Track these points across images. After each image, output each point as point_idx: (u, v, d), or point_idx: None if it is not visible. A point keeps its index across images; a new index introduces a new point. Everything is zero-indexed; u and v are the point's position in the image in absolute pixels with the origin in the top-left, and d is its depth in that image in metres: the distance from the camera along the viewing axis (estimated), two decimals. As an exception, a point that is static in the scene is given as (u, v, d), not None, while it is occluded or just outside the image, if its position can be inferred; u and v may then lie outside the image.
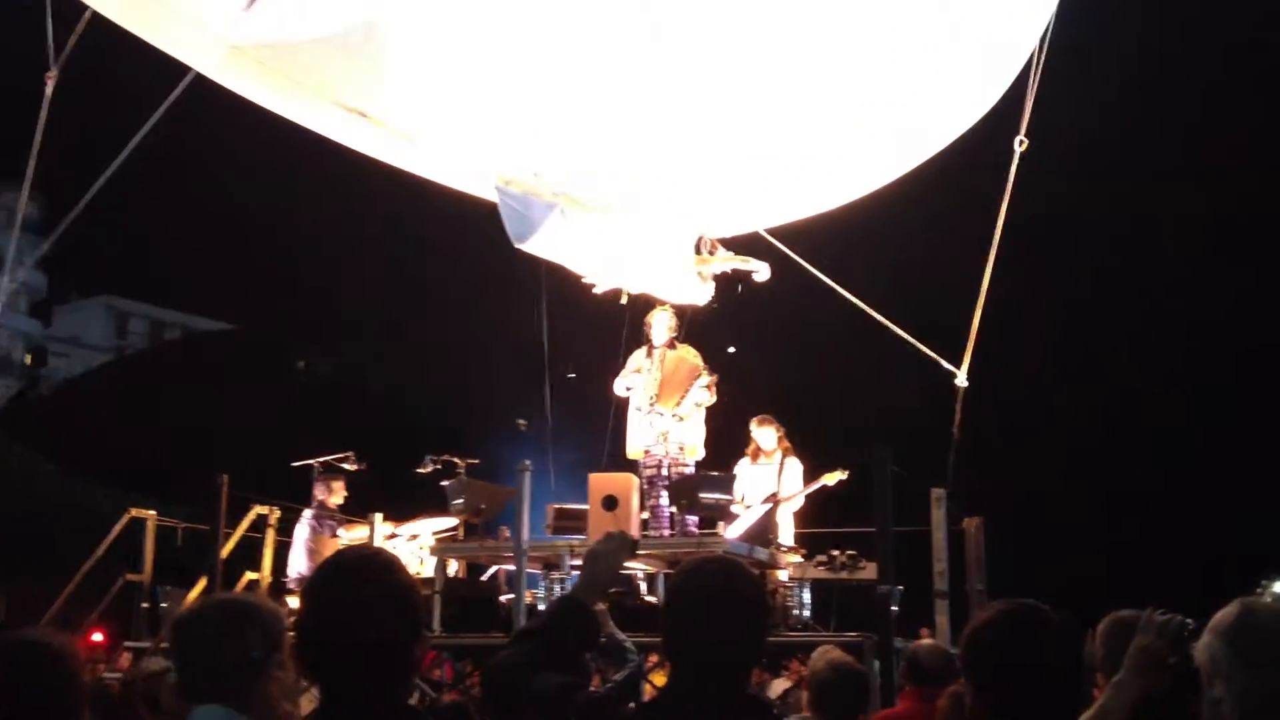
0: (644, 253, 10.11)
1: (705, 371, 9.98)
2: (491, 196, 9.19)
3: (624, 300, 10.27)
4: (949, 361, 9.91)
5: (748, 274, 10.42)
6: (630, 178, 9.49)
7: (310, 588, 2.29)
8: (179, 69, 7.78)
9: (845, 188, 10.44)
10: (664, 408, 9.89)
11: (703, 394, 10.01)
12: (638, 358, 10.24)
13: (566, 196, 9.41)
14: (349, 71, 8.17)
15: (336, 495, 10.67)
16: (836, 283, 10.61)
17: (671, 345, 10.17)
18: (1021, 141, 9.75)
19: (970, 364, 9.84)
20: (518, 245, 9.08)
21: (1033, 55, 9.15)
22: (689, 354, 10.14)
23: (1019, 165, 9.74)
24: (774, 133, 8.98)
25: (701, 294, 10.35)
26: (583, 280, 10.26)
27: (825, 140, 9.24)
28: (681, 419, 9.92)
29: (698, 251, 10.41)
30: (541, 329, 10.69)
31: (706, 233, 10.45)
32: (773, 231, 10.80)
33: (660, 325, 10.20)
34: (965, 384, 9.93)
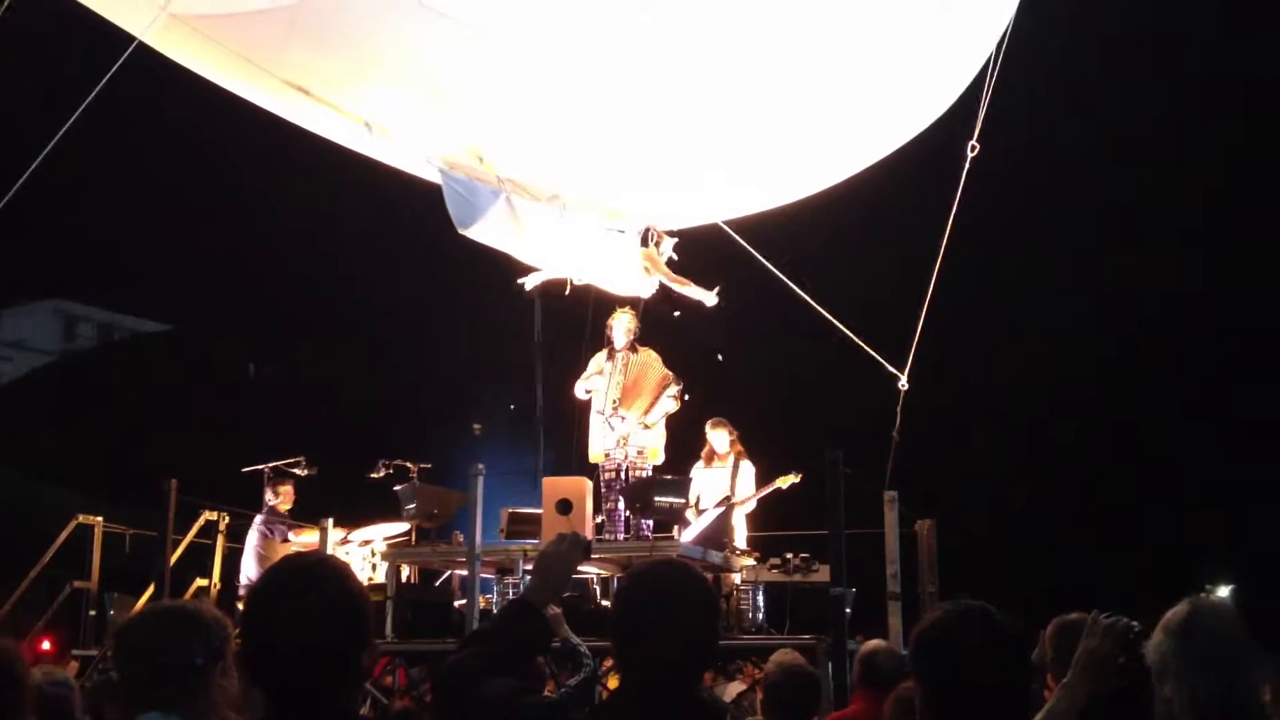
0: (590, 243, 10.08)
1: (673, 381, 9.97)
2: (438, 181, 9.10)
3: (567, 290, 10.24)
4: (896, 365, 9.98)
5: (696, 301, 10.40)
6: (578, 166, 9.47)
7: (256, 594, 2.26)
8: (113, 58, 7.58)
9: (802, 183, 10.47)
10: (626, 412, 9.86)
11: (670, 403, 10.02)
12: (598, 360, 10.19)
13: (513, 183, 9.36)
14: (290, 46, 8.08)
15: (285, 500, 10.57)
16: (790, 280, 10.61)
17: (633, 348, 10.13)
18: (974, 146, 9.82)
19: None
20: (461, 231, 9.01)
21: (989, 59, 9.21)
22: (651, 358, 10.10)
23: (972, 169, 9.82)
24: (729, 125, 9.00)
25: (646, 287, 10.32)
26: (517, 283, 10.24)
27: (782, 135, 9.27)
28: (648, 427, 9.92)
29: (644, 244, 10.40)
30: (534, 330, 10.60)
31: (654, 224, 10.43)
32: (728, 224, 10.77)
33: (620, 328, 10.15)
34: (906, 386, 10.01)
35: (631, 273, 10.26)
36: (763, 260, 10.55)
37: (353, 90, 8.66)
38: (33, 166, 7.21)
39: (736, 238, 10.57)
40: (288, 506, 10.61)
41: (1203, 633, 2.75)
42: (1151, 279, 23.40)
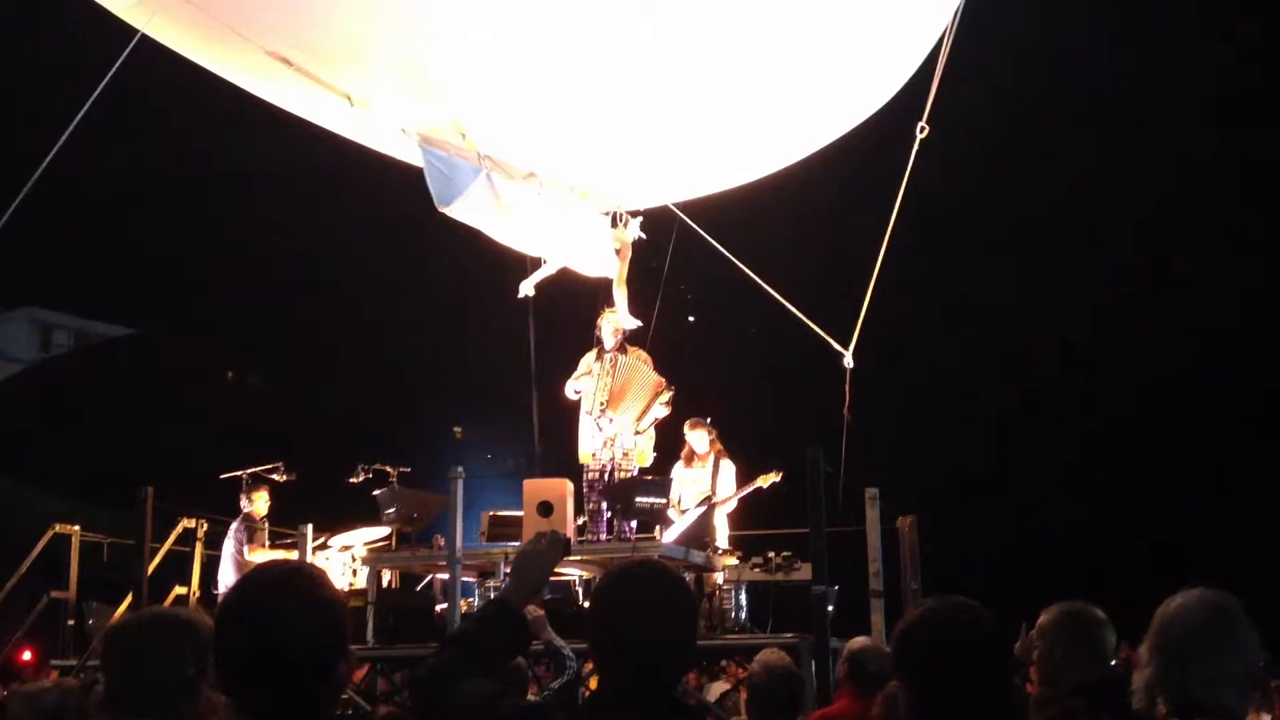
0: (567, 223, 10.03)
1: (665, 388, 9.96)
2: (419, 163, 8.95)
3: (527, 295, 10.19)
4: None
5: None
6: (550, 143, 9.41)
7: (230, 602, 2.22)
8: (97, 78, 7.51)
9: (753, 165, 10.43)
10: (613, 413, 9.84)
11: (662, 410, 10.03)
12: (587, 361, 10.15)
13: (492, 161, 9.29)
14: (273, 13, 8.02)
15: (260, 505, 10.50)
16: (743, 263, 10.58)
17: (621, 349, 10.09)
18: (923, 128, 9.80)
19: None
20: (441, 208, 8.88)
21: (941, 40, 9.20)
22: (640, 359, 10.06)
23: (921, 151, 9.79)
24: (684, 106, 8.95)
25: (614, 268, 10.27)
26: (519, 293, 10.22)
27: (734, 116, 9.23)
28: (641, 433, 9.92)
29: (614, 225, 10.38)
30: (528, 328, 10.54)
31: (621, 205, 10.39)
32: (682, 207, 10.68)
33: (609, 328, 10.11)
34: (852, 365, 10.05)
35: (604, 254, 10.21)
36: (713, 243, 10.50)
37: (335, 62, 8.54)
38: (39, 169, 7.10)
39: (685, 218, 10.45)
40: (264, 512, 10.54)
41: (1172, 625, 2.78)
42: (1107, 270, 23.57)
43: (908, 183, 9.73)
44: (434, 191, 8.82)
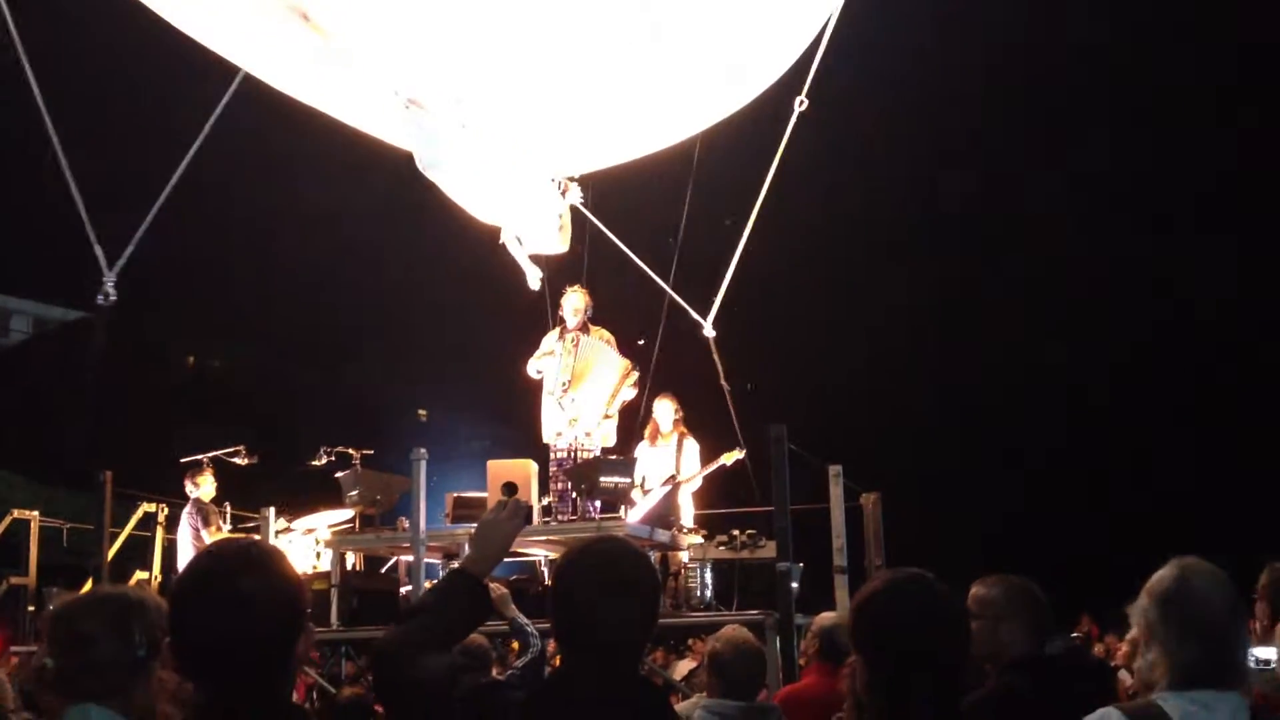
0: (514, 189, 9.90)
1: (632, 369, 9.93)
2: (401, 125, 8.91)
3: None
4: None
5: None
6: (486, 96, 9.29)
7: (185, 581, 2.18)
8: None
9: (645, 139, 10.21)
10: (574, 393, 9.80)
11: (630, 391, 10.01)
12: (549, 340, 10.09)
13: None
14: None
15: (206, 488, 10.40)
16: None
17: (584, 328, 10.04)
18: (801, 101, 9.86)
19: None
20: (425, 171, 8.82)
21: (830, 15, 9.18)
22: (604, 338, 10.01)
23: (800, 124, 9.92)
24: (590, 71, 8.82)
25: (558, 243, 10.12)
26: (529, 286, 10.12)
27: (627, 88, 9.11)
28: (610, 417, 9.89)
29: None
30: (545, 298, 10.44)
31: (559, 172, 10.13)
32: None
33: (570, 306, 10.04)
34: (713, 334, 10.36)
35: (547, 225, 10.04)
36: (594, 220, 10.52)
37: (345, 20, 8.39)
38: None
39: (575, 198, 10.36)
40: (211, 495, 10.43)
41: (1191, 601, 2.77)
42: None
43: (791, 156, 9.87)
44: (418, 153, 8.78)
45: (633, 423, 10.49)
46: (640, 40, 8.41)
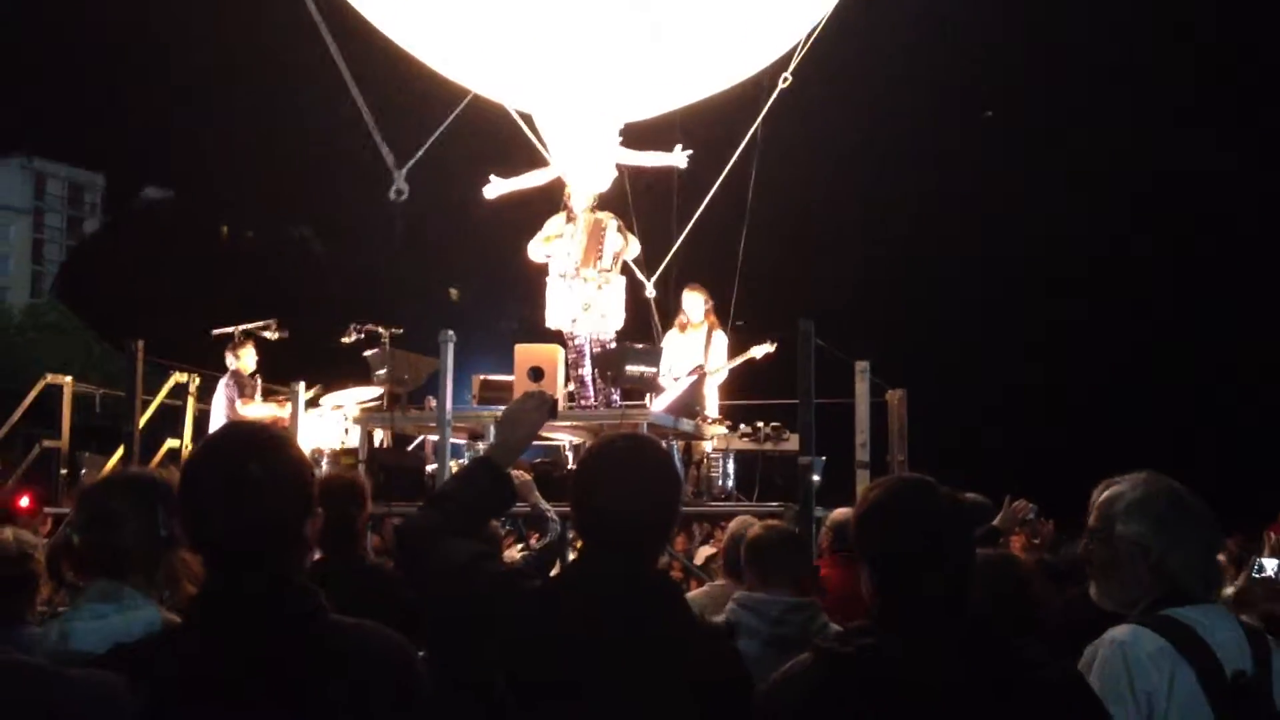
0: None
1: (611, 217, 9.71)
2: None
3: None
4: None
5: (668, 167, 10.26)
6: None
7: (195, 464, 2.21)
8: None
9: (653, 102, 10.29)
10: (587, 271, 9.64)
11: (616, 239, 9.65)
12: (555, 223, 9.78)
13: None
14: None
15: (246, 361, 10.46)
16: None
17: (592, 210, 9.84)
18: (785, 78, 10.15)
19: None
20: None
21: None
22: (609, 218, 9.82)
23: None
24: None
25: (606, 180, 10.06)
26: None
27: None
28: (608, 280, 9.63)
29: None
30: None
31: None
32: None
33: (579, 192, 9.86)
34: (654, 294, 10.74)
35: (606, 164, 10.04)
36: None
37: None
38: None
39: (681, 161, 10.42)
40: (251, 368, 10.51)
41: (1192, 511, 2.81)
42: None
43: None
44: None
45: (660, 314, 10.49)
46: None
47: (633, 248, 9.90)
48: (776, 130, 10.83)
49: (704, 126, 10.56)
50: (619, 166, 10.02)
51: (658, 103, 10.24)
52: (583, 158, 9.80)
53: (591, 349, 9.50)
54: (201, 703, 1.99)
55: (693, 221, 10.71)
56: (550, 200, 10.05)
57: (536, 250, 9.82)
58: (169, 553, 2.70)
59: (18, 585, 3.38)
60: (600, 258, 9.55)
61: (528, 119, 10.30)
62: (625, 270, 9.93)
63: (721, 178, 10.75)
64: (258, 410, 10.09)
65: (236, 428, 2.26)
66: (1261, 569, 3.16)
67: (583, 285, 9.51)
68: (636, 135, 10.12)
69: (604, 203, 9.89)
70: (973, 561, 2.43)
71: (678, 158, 10.15)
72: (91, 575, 2.71)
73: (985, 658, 2.29)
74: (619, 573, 2.34)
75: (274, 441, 2.16)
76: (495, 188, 10.08)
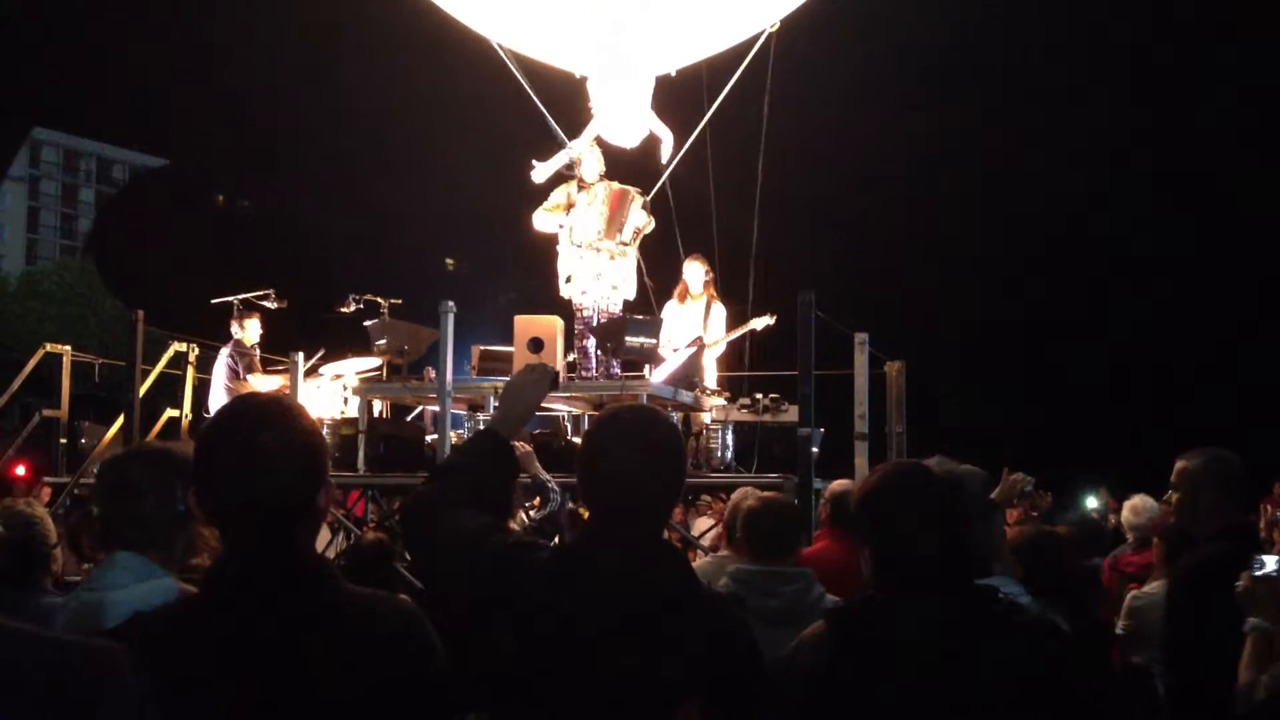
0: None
1: (639, 193, 9.74)
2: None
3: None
4: None
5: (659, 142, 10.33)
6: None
7: (206, 434, 2.22)
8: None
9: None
10: (608, 242, 9.58)
11: (640, 215, 9.71)
12: (566, 192, 9.72)
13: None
14: None
15: (250, 332, 10.47)
16: None
17: (605, 180, 9.80)
18: (774, 25, 10.44)
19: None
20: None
21: None
22: (636, 192, 9.80)
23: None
24: None
25: (636, 137, 10.09)
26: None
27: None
28: (625, 252, 9.63)
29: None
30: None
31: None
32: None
33: (592, 161, 9.88)
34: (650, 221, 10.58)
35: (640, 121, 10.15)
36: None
37: None
38: None
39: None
40: (254, 340, 10.53)
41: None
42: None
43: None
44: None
45: (663, 283, 10.46)
46: None
47: (649, 227, 9.91)
48: (781, 94, 10.89)
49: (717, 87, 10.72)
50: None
51: (687, 54, 10.53)
52: (626, 113, 9.89)
53: (599, 320, 9.51)
54: (217, 672, 2.01)
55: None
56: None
57: (545, 220, 9.78)
58: (189, 525, 2.73)
59: (29, 553, 3.40)
60: (621, 230, 9.57)
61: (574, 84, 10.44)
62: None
63: (688, 141, 10.85)
64: (267, 383, 10.10)
65: (248, 399, 2.25)
66: (1262, 565, 3.20)
67: (595, 256, 9.51)
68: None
69: (624, 176, 9.94)
70: (963, 549, 2.59)
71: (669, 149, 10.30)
72: (112, 547, 2.73)
73: (982, 615, 2.51)
74: (630, 541, 2.36)
75: (287, 413, 2.17)
76: (541, 171, 10.01)
